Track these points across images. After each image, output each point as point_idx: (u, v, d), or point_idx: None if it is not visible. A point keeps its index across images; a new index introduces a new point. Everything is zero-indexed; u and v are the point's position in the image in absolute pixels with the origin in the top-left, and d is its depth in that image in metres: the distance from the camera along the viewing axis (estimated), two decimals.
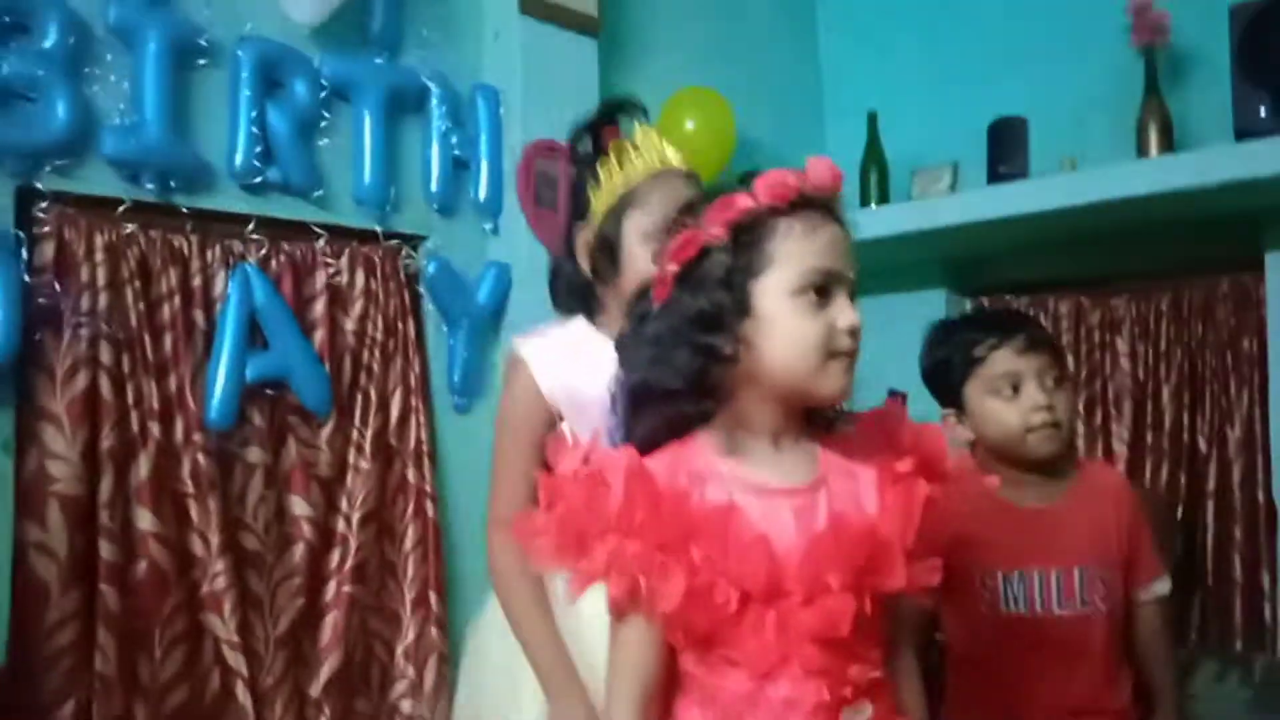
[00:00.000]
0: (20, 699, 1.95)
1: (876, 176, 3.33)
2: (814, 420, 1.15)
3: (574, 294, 1.62)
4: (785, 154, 3.55)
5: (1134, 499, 1.82)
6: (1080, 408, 3.13)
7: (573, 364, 1.54)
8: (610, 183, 1.54)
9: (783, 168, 1.09)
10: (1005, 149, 3.03)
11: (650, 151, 1.58)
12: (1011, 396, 1.69)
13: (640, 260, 1.44)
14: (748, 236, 1.05)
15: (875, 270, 3.63)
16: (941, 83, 3.41)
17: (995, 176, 3.04)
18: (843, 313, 1.04)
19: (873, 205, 3.28)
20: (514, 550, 1.44)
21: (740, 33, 3.53)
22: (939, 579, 1.09)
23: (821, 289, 1.04)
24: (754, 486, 1.06)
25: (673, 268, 1.08)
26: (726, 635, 1.03)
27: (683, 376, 1.05)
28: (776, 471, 1.08)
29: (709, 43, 3.41)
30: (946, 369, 1.81)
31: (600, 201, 1.54)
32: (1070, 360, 3.17)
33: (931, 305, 3.49)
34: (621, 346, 1.16)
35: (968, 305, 3.54)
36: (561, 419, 1.54)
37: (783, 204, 1.05)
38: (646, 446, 1.10)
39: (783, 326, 1.03)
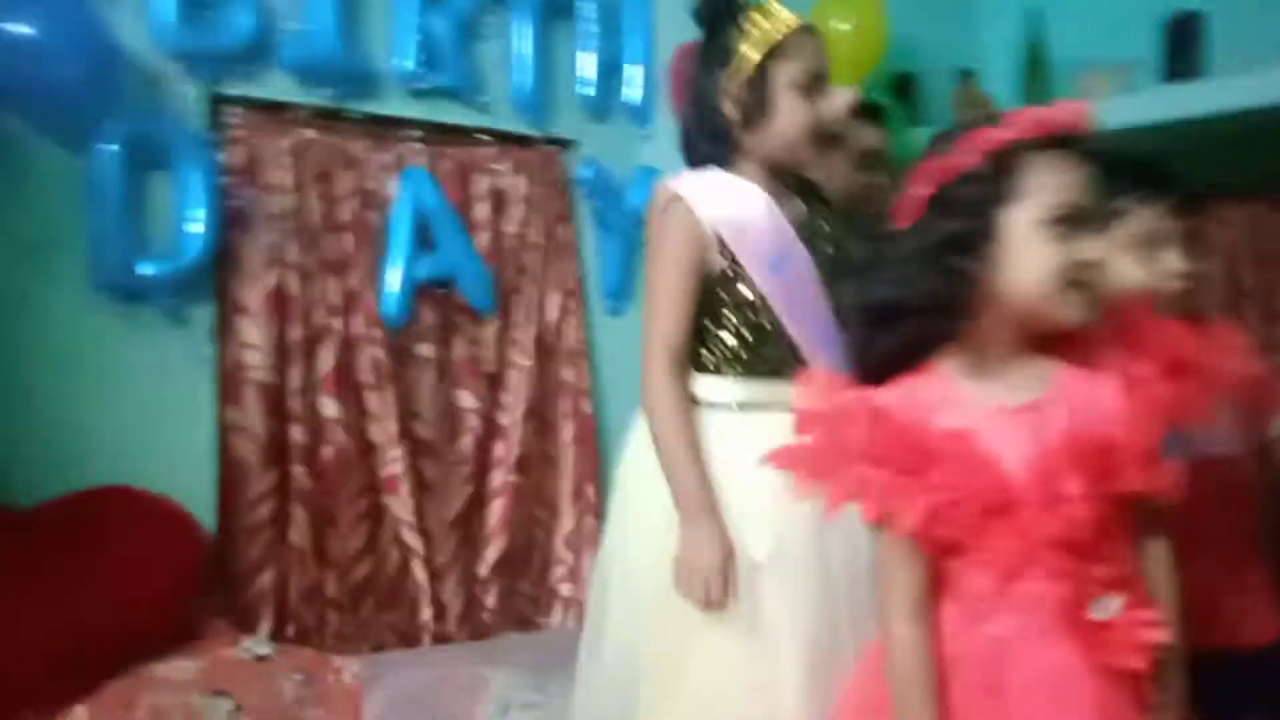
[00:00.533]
0: (227, 566, 2.15)
1: (1039, 79, 3.19)
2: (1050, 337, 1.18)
3: (718, 139, 1.58)
4: (941, 55, 3.44)
5: None
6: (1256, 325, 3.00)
7: (728, 197, 1.57)
8: (760, 33, 1.55)
9: (1035, 109, 1.12)
10: (1181, 47, 2.87)
11: (782, 14, 1.59)
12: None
13: (788, 107, 1.53)
14: (1002, 166, 1.08)
15: None
16: None
17: (1171, 76, 2.89)
18: (1090, 246, 1.09)
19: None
20: (674, 383, 1.51)
21: None
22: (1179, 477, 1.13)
23: (1070, 223, 1.08)
24: (989, 407, 1.12)
25: (926, 191, 1.12)
26: (973, 543, 1.10)
27: (931, 296, 1.10)
28: (1013, 389, 1.13)
29: None
30: None
31: (752, 49, 1.55)
32: (1247, 274, 3.03)
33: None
34: (860, 266, 1.22)
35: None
36: (723, 247, 1.55)
37: (1038, 139, 1.09)
38: (882, 370, 1.16)
39: (1027, 254, 1.08)
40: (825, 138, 1.62)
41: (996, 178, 1.09)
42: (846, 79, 3.04)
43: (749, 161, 1.59)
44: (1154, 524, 1.19)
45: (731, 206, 1.55)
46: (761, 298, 1.55)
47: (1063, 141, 1.10)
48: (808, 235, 1.59)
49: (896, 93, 3.28)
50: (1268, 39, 2.78)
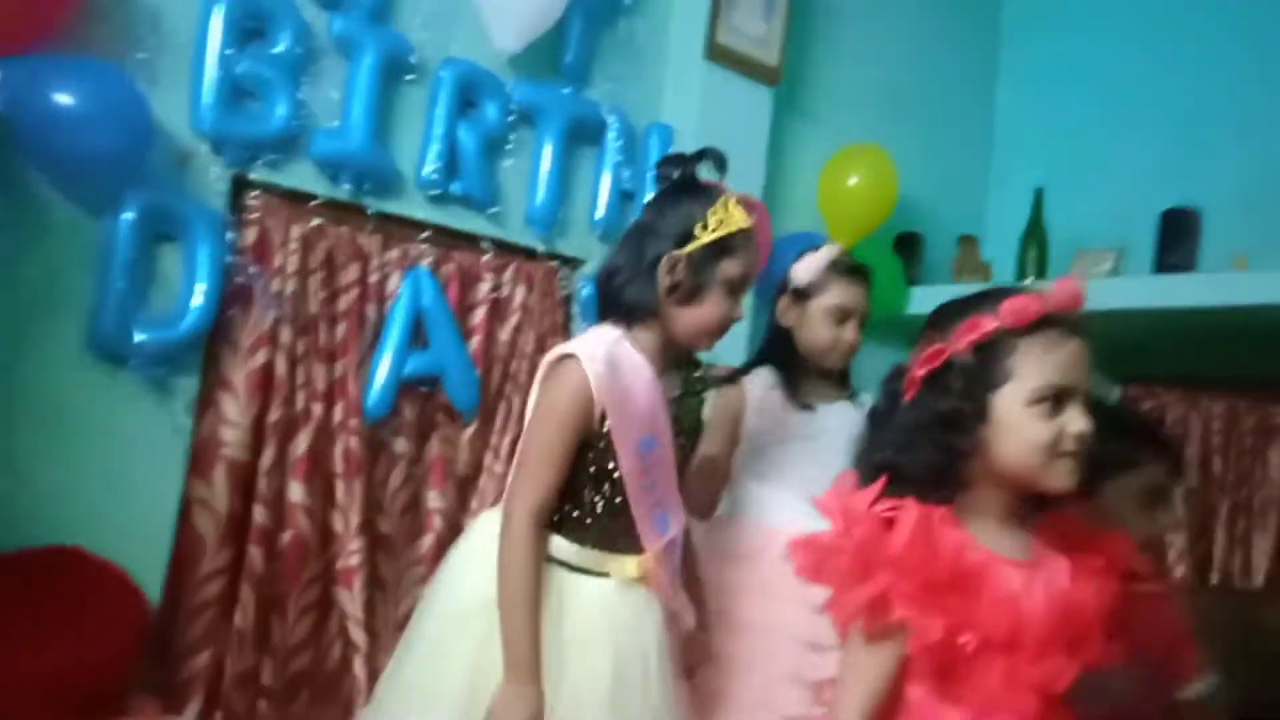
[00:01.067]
0: (167, 641, 2.13)
1: (1036, 252, 3.29)
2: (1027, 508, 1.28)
3: (642, 298, 1.65)
4: (946, 219, 3.55)
5: None
6: (1223, 514, 3.03)
7: (619, 369, 1.62)
8: (716, 222, 1.64)
9: (1025, 294, 1.20)
10: (1175, 239, 2.97)
11: (737, 213, 1.69)
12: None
13: (716, 300, 1.65)
14: (989, 352, 1.18)
15: None
16: (1114, 165, 3.36)
17: (1162, 266, 2.98)
18: (1073, 420, 1.16)
19: (1028, 281, 3.24)
20: (535, 542, 1.56)
21: (917, 93, 3.56)
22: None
23: (1056, 399, 1.17)
24: (989, 552, 1.20)
25: (921, 373, 1.23)
26: (959, 673, 1.17)
27: (925, 467, 1.20)
28: (1005, 548, 1.22)
29: (884, 101, 3.45)
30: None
31: (706, 235, 1.63)
32: (1218, 463, 3.08)
33: None
34: (873, 421, 1.32)
35: (1116, 391, 3.46)
36: (603, 419, 1.60)
37: (1023, 325, 1.17)
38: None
39: (1017, 431, 1.17)
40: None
41: (983, 362, 1.19)
42: (852, 233, 3.16)
43: (653, 331, 1.66)
44: None
45: (621, 380, 1.60)
46: (619, 475, 1.61)
47: (1051, 321, 1.18)
48: (675, 412, 1.71)
49: (899, 249, 3.37)
50: (1259, 239, 2.88)
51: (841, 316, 2.03)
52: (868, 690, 1.19)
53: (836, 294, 2.04)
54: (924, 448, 1.20)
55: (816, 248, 2.11)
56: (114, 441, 2.08)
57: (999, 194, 3.75)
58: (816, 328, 2.04)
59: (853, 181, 3.14)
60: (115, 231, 2.03)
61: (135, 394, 2.10)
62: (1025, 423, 1.17)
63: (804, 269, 2.06)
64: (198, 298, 2.12)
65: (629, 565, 1.62)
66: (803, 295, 2.05)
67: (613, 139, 2.79)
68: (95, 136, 1.88)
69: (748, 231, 1.68)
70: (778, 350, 2.10)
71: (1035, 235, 3.32)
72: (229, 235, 2.18)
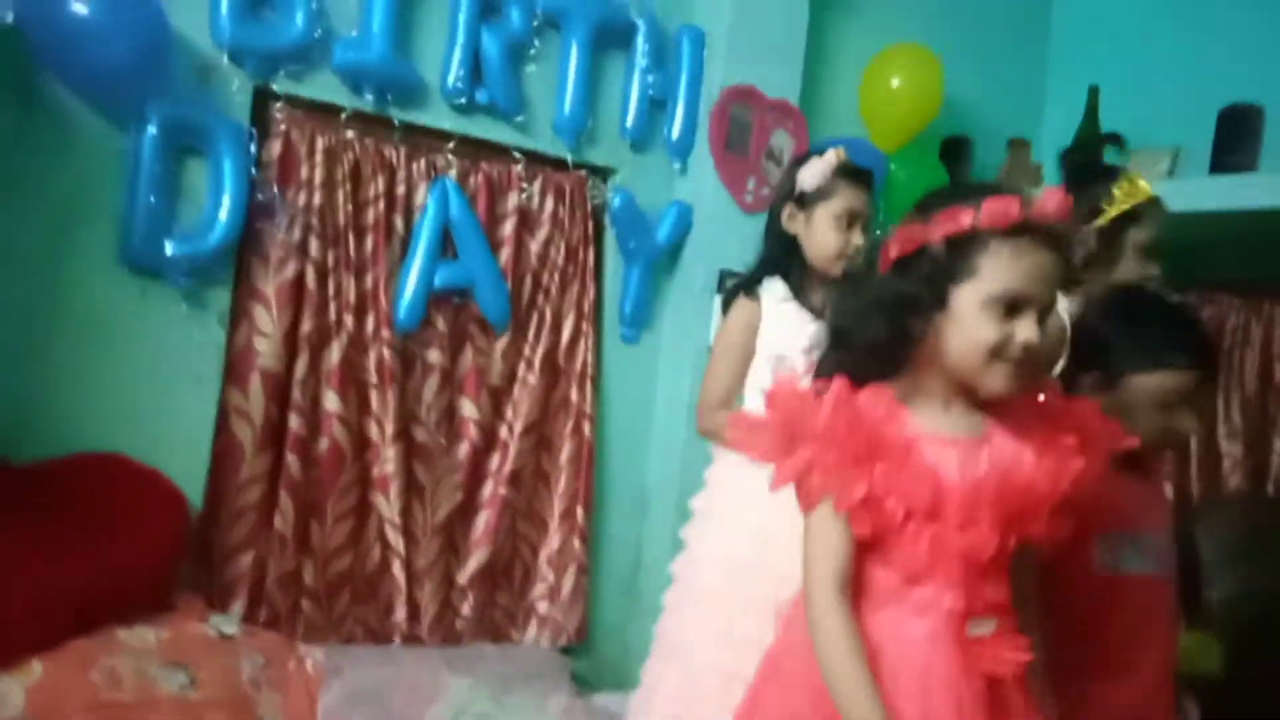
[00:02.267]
0: (210, 544, 2.22)
1: (1088, 153, 3.16)
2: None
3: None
4: (995, 120, 3.43)
5: None
6: None
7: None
8: (1123, 196, 1.83)
9: (1010, 196, 1.19)
10: (1234, 138, 2.82)
11: (1141, 184, 1.87)
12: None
13: (1132, 266, 1.84)
14: (960, 246, 1.20)
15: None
16: (1172, 62, 3.20)
17: (1220, 166, 2.84)
18: (1025, 329, 1.19)
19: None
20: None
21: None
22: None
23: (1011, 306, 1.19)
24: (930, 431, 1.24)
25: (893, 252, 1.25)
26: (889, 541, 1.22)
27: (874, 342, 1.24)
28: (952, 426, 1.26)
29: None
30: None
31: (1113, 209, 1.82)
32: (1277, 369, 2.99)
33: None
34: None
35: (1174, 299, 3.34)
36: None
37: (1000, 228, 1.19)
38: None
39: (966, 327, 1.20)
40: None
41: (952, 254, 1.20)
42: (895, 138, 3.07)
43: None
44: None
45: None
46: None
47: (1028, 228, 1.19)
48: None
49: (946, 155, 3.27)
50: None
51: (849, 221, 1.97)
52: (828, 555, 1.23)
53: (844, 198, 1.98)
54: (878, 322, 1.23)
55: (822, 153, 2.03)
56: (150, 352, 2.15)
57: (1054, 93, 3.59)
58: (825, 233, 1.97)
59: (895, 83, 3.04)
60: (140, 144, 2.07)
61: (169, 306, 2.17)
62: (976, 321, 1.19)
63: (809, 175, 1.98)
64: (225, 211, 2.16)
65: None
66: (809, 201, 1.99)
67: (641, 43, 2.73)
68: (111, 47, 1.90)
69: (1151, 199, 1.83)
70: (784, 259, 2.03)
71: (1089, 135, 3.18)
72: (253, 148, 2.20)
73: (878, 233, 3.18)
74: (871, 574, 1.25)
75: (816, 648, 1.21)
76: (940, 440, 1.24)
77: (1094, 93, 3.17)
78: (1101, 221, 1.81)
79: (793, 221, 2.01)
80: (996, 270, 1.18)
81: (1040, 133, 3.54)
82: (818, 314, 1.94)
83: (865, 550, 1.24)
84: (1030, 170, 3.34)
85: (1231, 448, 3.19)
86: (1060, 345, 1.55)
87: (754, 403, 1.94)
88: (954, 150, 3.32)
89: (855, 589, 1.24)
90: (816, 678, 1.21)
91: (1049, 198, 1.20)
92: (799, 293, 1.99)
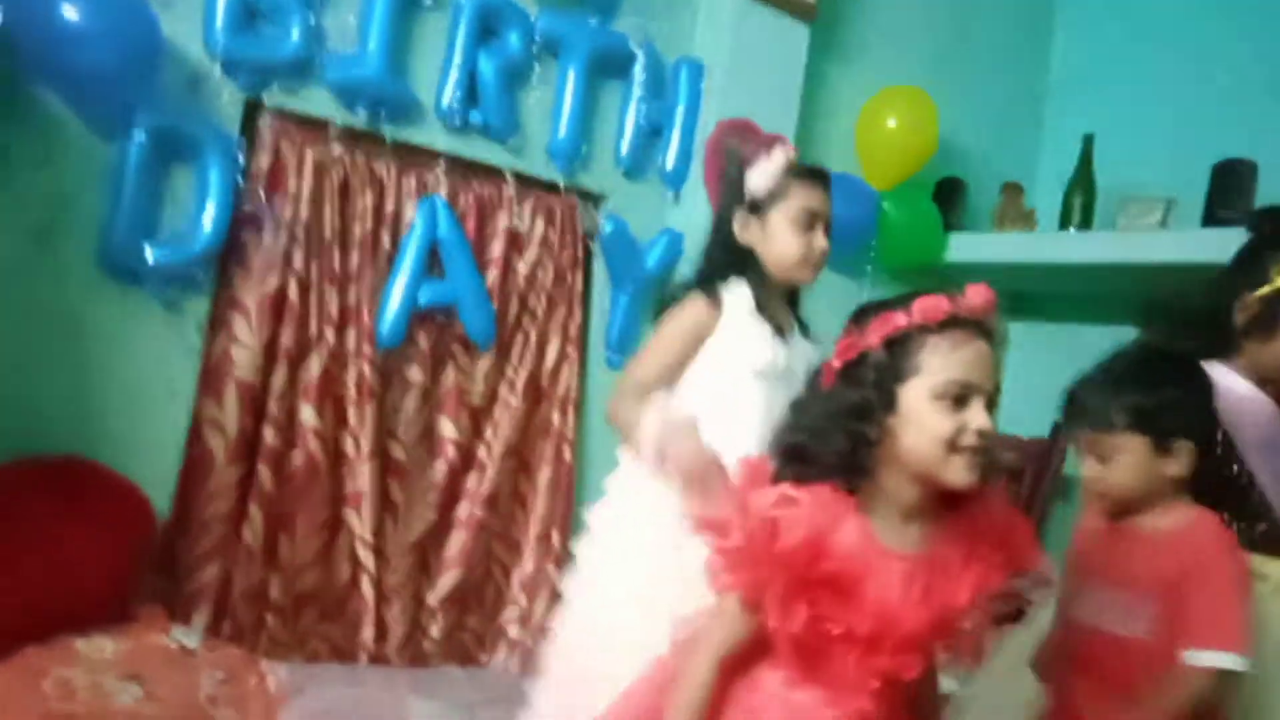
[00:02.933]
0: (175, 554, 2.20)
1: (1082, 200, 3.16)
2: (943, 498, 1.32)
3: (1220, 333, 1.83)
4: (990, 163, 3.44)
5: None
6: None
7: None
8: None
9: (938, 295, 1.25)
10: (1227, 192, 2.82)
11: None
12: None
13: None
14: (900, 347, 1.24)
15: (1065, 297, 3.50)
16: (1168, 114, 3.23)
17: (1213, 219, 2.84)
18: (975, 417, 1.22)
19: (1072, 230, 3.13)
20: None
21: (966, 35, 3.44)
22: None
23: (959, 398, 1.22)
24: (879, 547, 1.26)
25: (836, 364, 1.30)
26: (815, 653, 1.26)
27: (834, 454, 1.26)
28: (896, 538, 1.28)
29: (927, 41, 3.34)
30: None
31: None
32: None
33: (1118, 343, 3.33)
34: (793, 408, 1.36)
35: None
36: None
37: (933, 323, 1.23)
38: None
39: (919, 423, 1.23)
40: None
41: (893, 356, 1.25)
42: (889, 177, 3.08)
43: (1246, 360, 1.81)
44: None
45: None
46: None
47: (961, 321, 1.24)
48: None
49: (940, 196, 3.28)
50: None
51: (809, 221, 1.79)
52: (725, 638, 1.29)
53: (799, 197, 1.79)
54: (834, 435, 1.26)
55: (770, 153, 1.85)
56: (126, 358, 2.14)
57: (1049, 139, 3.61)
58: (785, 238, 1.78)
59: (891, 124, 3.05)
60: (127, 151, 2.07)
61: (147, 313, 2.16)
62: (928, 416, 1.22)
63: (759, 177, 1.81)
64: (209, 220, 2.16)
65: None
66: (762, 207, 1.80)
67: (639, 72, 2.74)
68: (100, 53, 1.90)
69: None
70: (733, 270, 1.82)
71: (1083, 183, 3.19)
72: (241, 159, 2.20)
73: (869, 270, 3.20)
74: (788, 699, 1.28)
75: (677, 692, 1.29)
76: (889, 557, 1.26)
77: (1088, 140, 3.19)
78: (1266, 291, 1.78)
79: (746, 231, 1.81)
80: (938, 363, 1.23)
81: (1035, 177, 3.55)
82: (778, 332, 1.80)
83: (783, 668, 1.28)
84: (1023, 214, 3.35)
85: None
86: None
87: (732, 414, 1.74)
88: (948, 192, 3.33)
89: (772, 670, 1.29)
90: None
91: (975, 292, 1.26)
92: (762, 307, 1.79)
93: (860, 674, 1.25)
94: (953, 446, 1.22)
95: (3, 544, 1.78)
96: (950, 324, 1.23)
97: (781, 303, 1.86)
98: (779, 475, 1.31)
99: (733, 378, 1.78)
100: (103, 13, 1.90)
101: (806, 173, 1.84)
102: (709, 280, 1.83)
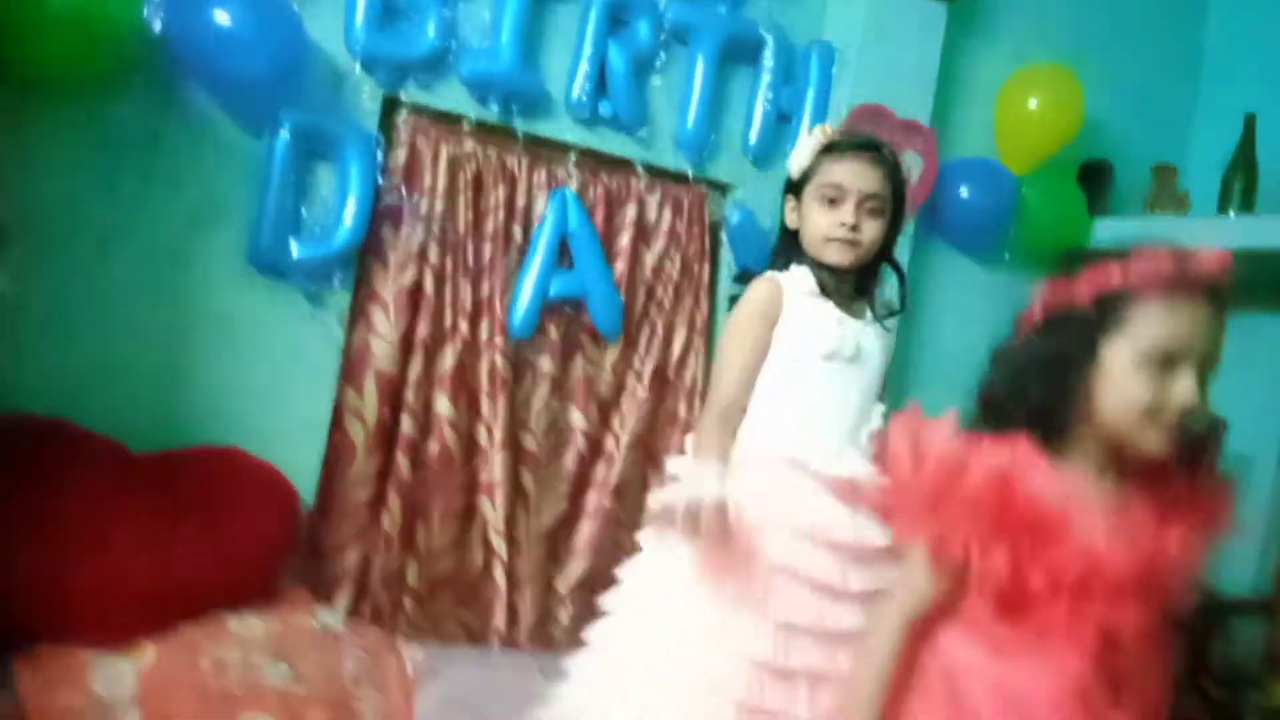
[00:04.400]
0: (318, 539, 2.28)
1: (1242, 183, 2.98)
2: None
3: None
4: (1140, 144, 3.26)
5: None
6: None
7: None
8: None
9: (1167, 251, 1.16)
10: None
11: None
12: None
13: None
14: (1110, 303, 1.18)
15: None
16: None
17: None
18: (1182, 390, 1.15)
19: (1231, 214, 2.95)
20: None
21: (1113, 8, 3.26)
22: None
23: (1165, 363, 1.15)
24: (1077, 497, 1.20)
25: (1038, 313, 1.24)
26: (1024, 605, 1.19)
27: (1032, 405, 1.21)
28: (1094, 491, 1.22)
29: (1072, 17, 3.17)
30: None
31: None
32: None
33: None
34: (992, 358, 1.31)
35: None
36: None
37: (1150, 285, 1.16)
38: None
39: (1120, 384, 1.17)
40: None
41: (1102, 309, 1.17)
42: (1030, 160, 2.96)
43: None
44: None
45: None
46: None
47: (1183, 285, 1.15)
48: None
49: (1085, 178, 3.13)
50: None
51: (833, 195, 1.70)
52: (916, 601, 1.25)
53: (826, 173, 1.72)
54: (1033, 385, 1.20)
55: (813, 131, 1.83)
56: (272, 350, 2.22)
57: (1204, 118, 3.40)
58: (811, 216, 1.73)
59: (1033, 104, 2.92)
60: (273, 150, 2.14)
61: (292, 305, 2.24)
62: (1130, 380, 1.16)
63: (795, 160, 1.78)
64: (350, 215, 2.22)
65: None
66: (797, 189, 1.77)
67: (769, 59, 2.69)
68: (252, 57, 1.98)
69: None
70: (783, 258, 1.80)
71: (1244, 165, 3.00)
72: (380, 155, 2.25)
73: (1006, 256, 3.08)
74: (997, 631, 1.22)
75: (862, 658, 1.28)
76: (1089, 508, 1.20)
77: (1250, 119, 2.99)
78: None
79: (793, 215, 1.79)
80: (1148, 326, 1.15)
81: (1188, 158, 3.35)
82: (848, 314, 1.74)
83: (989, 605, 1.21)
84: (1176, 197, 3.17)
85: None
86: None
87: (799, 400, 1.69)
88: (1093, 174, 3.17)
89: (988, 646, 1.23)
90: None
91: (1208, 255, 1.16)
92: (825, 289, 1.73)
93: (1073, 627, 1.18)
94: (1151, 416, 1.16)
95: (159, 530, 1.87)
96: (1171, 286, 1.15)
97: (849, 285, 1.77)
98: (973, 426, 1.26)
99: (799, 362, 1.70)
100: (251, 17, 1.97)
101: (837, 147, 1.75)
102: (771, 267, 1.81)
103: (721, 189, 2.73)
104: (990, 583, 1.19)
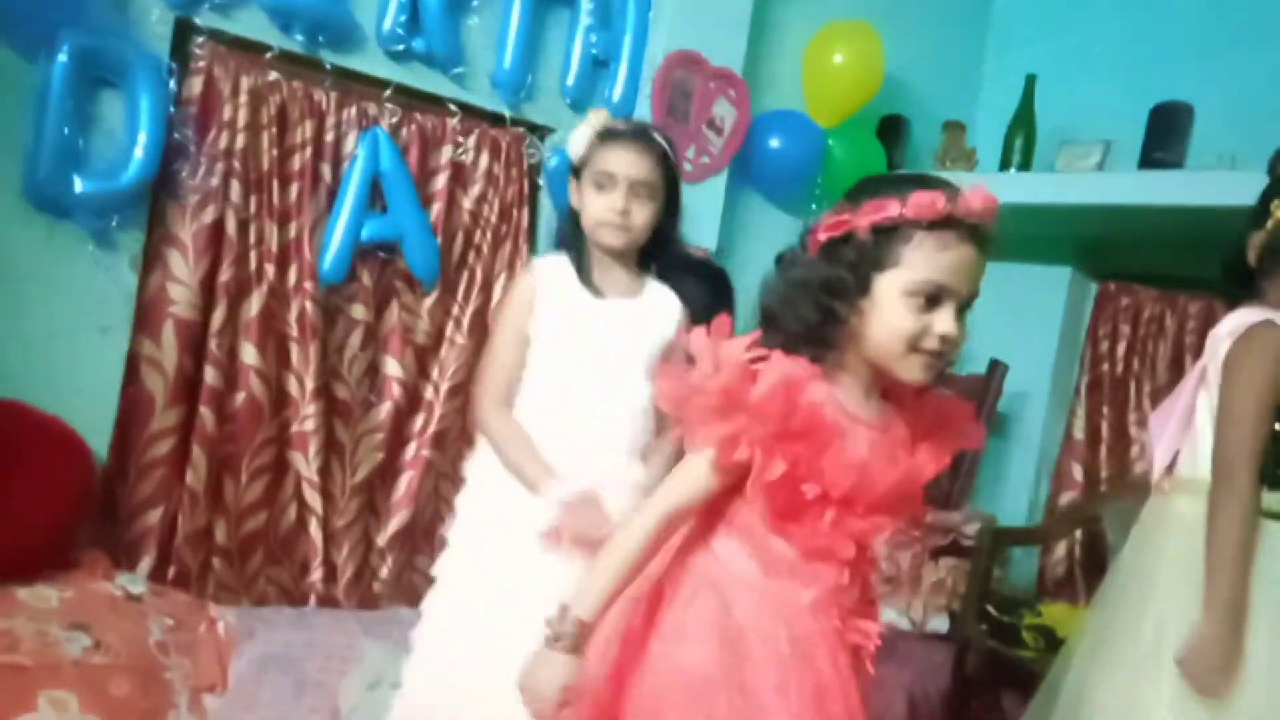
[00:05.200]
0: (115, 499, 2.12)
1: (1023, 142, 3.20)
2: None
3: (1236, 273, 1.87)
4: (933, 101, 3.45)
5: None
6: None
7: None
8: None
9: (938, 190, 1.21)
10: (1164, 134, 2.87)
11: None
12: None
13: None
14: (885, 235, 1.22)
15: (1001, 237, 3.53)
16: (1108, 57, 3.26)
17: (1149, 162, 2.90)
18: (943, 322, 1.22)
19: (1012, 170, 3.17)
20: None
21: None
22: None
23: (931, 298, 1.21)
24: (848, 413, 1.28)
25: (821, 236, 1.28)
26: (792, 513, 1.26)
27: (801, 323, 1.26)
28: (859, 407, 1.29)
29: None
30: None
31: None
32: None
33: (1054, 282, 3.41)
34: (777, 264, 1.35)
35: (1093, 288, 3.43)
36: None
37: (925, 220, 1.20)
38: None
39: (887, 315, 1.22)
40: None
41: (877, 242, 1.22)
42: (835, 113, 3.06)
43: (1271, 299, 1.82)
44: None
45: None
46: None
47: (953, 222, 1.20)
48: None
49: (883, 133, 3.28)
50: (1250, 141, 2.79)
51: (604, 182, 1.75)
52: (681, 497, 1.29)
53: (601, 161, 1.77)
54: (805, 305, 1.25)
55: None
56: (56, 295, 2.03)
57: (990, 80, 3.63)
58: (588, 199, 1.78)
59: (838, 60, 3.02)
60: (50, 74, 1.94)
61: (77, 247, 2.05)
62: (897, 310, 1.22)
63: (574, 143, 1.83)
64: (140, 148, 2.04)
65: None
66: (578, 171, 1.83)
67: (587, 2, 2.66)
68: None
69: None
70: (570, 237, 1.86)
71: (1024, 124, 3.22)
72: (173, 84, 2.08)
73: (812, 209, 3.20)
74: (769, 545, 1.29)
75: (619, 538, 1.30)
76: (858, 424, 1.28)
77: (1030, 81, 3.21)
78: (1269, 227, 1.83)
79: (575, 196, 1.84)
80: (918, 261, 1.20)
81: (975, 116, 3.58)
82: (598, 295, 1.78)
83: (771, 516, 1.28)
84: (965, 153, 3.37)
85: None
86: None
87: (544, 391, 1.75)
88: (892, 129, 3.33)
89: (753, 550, 1.30)
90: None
91: (975, 195, 1.22)
92: (580, 270, 1.78)
93: (836, 537, 1.26)
94: (913, 346, 1.23)
95: None
96: (942, 224, 1.20)
97: (606, 265, 1.80)
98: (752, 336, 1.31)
99: (541, 346, 1.76)
100: None
101: (612, 135, 1.80)
102: (559, 245, 1.90)
103: (539, 132, 2.68)
104: (766, 489, 1.24)
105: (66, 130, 1.97)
